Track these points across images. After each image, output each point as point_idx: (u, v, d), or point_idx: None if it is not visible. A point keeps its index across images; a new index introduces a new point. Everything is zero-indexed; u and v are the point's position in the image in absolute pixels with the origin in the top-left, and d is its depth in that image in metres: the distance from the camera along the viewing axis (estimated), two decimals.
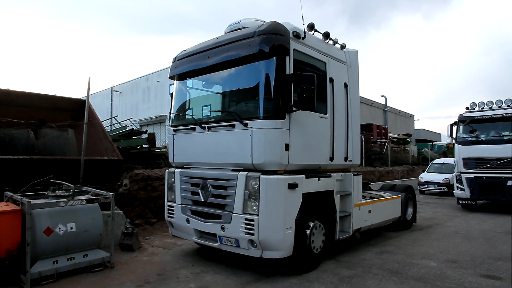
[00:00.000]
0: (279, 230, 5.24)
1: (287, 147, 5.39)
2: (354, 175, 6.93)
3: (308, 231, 5.76)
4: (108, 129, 16.05)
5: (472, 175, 12.40)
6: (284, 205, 5.27)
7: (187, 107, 6.92)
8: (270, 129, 5.32)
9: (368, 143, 21.29)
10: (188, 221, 6.32)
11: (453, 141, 13.26)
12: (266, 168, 5.40)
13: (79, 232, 5.86)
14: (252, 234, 5.29)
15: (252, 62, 5.68)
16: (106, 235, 7.33)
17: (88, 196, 6.32)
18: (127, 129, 14.06)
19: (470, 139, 12.78)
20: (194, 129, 6.35)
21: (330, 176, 6.29)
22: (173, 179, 6.76)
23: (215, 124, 5.99)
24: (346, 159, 6.75)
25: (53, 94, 11.30)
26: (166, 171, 7.05)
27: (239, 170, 5.62)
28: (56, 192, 6.17)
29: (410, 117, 43.67)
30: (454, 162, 13.41)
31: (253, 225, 5.28)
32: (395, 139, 28.65)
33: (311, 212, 5.84)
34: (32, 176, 6.74)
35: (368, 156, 20.82)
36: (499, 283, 5.32)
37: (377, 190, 9.51)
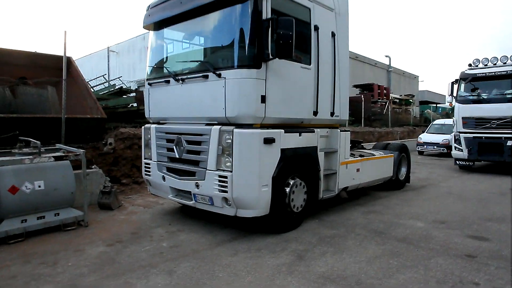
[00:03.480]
0: (253, 187, 4.92)
1: (263, 99, 4.96)
2: (341, 131, 6.53)
3: (287, 189, 5.44)
4: (99, 88, 15.62)
5: (471, 135, 11.97)
6: (259, 161, 4.92)
7: (162, 59, 6.44)
8: (244, 79, 4.87)
9: (368, 103, 20.78)
10: (164, 178, 6.03)
11: (454, 100, 12.72)
12: (241, 121, 5.01)
13: (48, 191, 5.58)
14: (226, 191, 4.98)
15: (227, 6, 5.17)
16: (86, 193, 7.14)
17: (57, 153, 5.99)
18: (116, 87, 13.61)
19: (471, 97, 12.23)
20: (168, 82, 5.92)
21: (313, 132, 5.89)
22: (149, 136, 6.41)
23: (188, 76, 5.54)
24: (332, 114, 6.33)
25: (33, 51, 10.82)
26: (143, 127, 6.69)
27: (213, 124, 5.24)
28: (24, 149, 5.86)
29: (415, 78, 42.69)
30: (453, 121, 12.93)
31: (226, 182, 4.96)
32: (397, 100, 28.03)
33: (291, 169, 5.50)
34: None
35: (367, 116, 20.36)
36: (486, 244, 5.04)
37: (369, 149, 9.14)
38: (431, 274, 4.05)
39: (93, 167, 7.82)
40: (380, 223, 6.07)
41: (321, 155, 6.06)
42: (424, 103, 43.13)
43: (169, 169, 5.96)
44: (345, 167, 6.70)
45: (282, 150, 5.23)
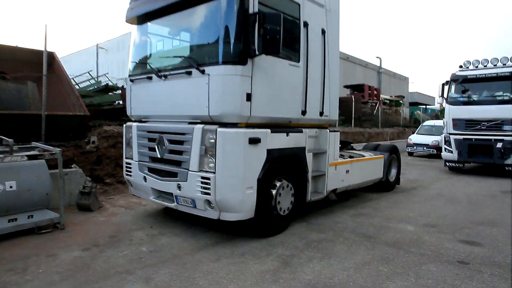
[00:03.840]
0: (237, 190, 4.68)
1: (248, 97, 4.72)
2: (330, 131, 6.33)
3: (274, 192, 5.22)
4: (85, 84, 15.20)
5: (461, 137, 11.89)
6: (244, 162, 4.68)
7: (145, 55, 6.16)
8: (228, 76, 4.63)
9: (359, 103, 20.67)
10: (145, 179, 5.75)
11: (444, 102, 12.63)
12: (225, 120, 4.76)
13: (20, 191, 5.27)
14: (209, 194, 4.73)
15: (212, 0, 4.92)
16: (63, 194, 6.82)
17: (31, 152, 5.68)
18: (102, 85, 13.23)
19: (461, 99, 12.16)
20: (151, 78, 5.65)
21: (302, 132, 5.67)
22: (130, 134, 6.13)
23: (171, 72, 5.28)
24: (321, 113, 6.12)
25: (14, 45, 10.44)
26: (124, 125, 6.40)
27: (197, 123, 4.98)
28: None
29: (405, 79, 42.83)
30: (443, 123, 12.84)
31: (209, 183, 4.71)
32: (388, 101, 28.02)
33: (278, 171, 5.28)
34: None
35: (358, 117, 20.27)
36: (478, 250, 4.87)
37: (359, 150, 8.96)
38: (422, 282, 3.85)
39: (72, 166, 7.51)
40: (370, 226, 5.88)
41: (309, 156, 5.85)
42: (414, 105, 43.28)
43: (151, 170, 5.69)
44: (334, 169, 6.50)
45: (269, 151, 4.99)
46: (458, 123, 11.96)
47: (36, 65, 10.05)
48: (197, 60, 4.94)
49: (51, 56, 10.87)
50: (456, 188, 9.49)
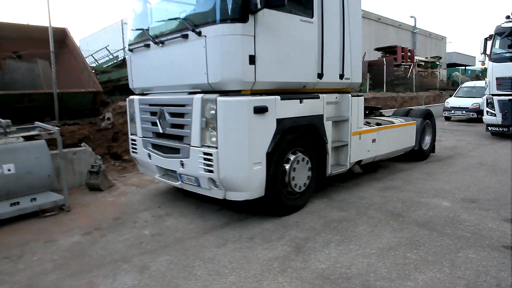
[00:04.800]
0: (243, 166, 4.15)
1: (252, 59, 4.09)
2: (352, 96, 5.61)
3: (287, 166, 4.64)
4: (105, 60, 14.96)
5: (507, 98, 10.67)
6: (249, 134, 4.11)
7: (142, 21, 5.59)
8: (227, 36, 4.00)
9: (391, 66, 19.35)
10: (150, 156, 5.34)
11: (487, 59, 11.34)
12: (226, 88, 4.18)
13: (20, 174, 5.00)
14: (212, 171, 4.23)
15: None
16: (73, 175, 6.59)
17: (29, 133, 5.36)
18: (119, 59, 12.90)
19: (507, 55, 10.82)
20: (148, 46, 5.12)
21: (318, 98, 5.00)
22: (133, 108, 5.68)
23: (168, 37, 4.71)
24: (341, 76, 5.39)
25: (25, 23, 10.18)
26: (127, 99, 5.95)
27: (197, 93, 4.44)
28: None
29: (442, 39, 40.05)
30: (485, 83, 11.58)
31: (212, 160, 4.20)
32: (423, 63, 26.21)
33: (291, 143, 4.68)
34: None
35: (390, 80, 19.01)
36: None
37: (388, 116, 8.14)
38: (459, 273, 3.21)
39: (82, 145, 7.23)
40: (399, 202, 5.23)
41: (328, 125, 5.19)
42: (452, 66, 40.58)
43: (154, 146, 5.25)
44: (358, 138, 5.81)
45: (279, 121, 4.39)
46: (503, 82, 10.71)
47: (56, 43, 9.79)
48: (192, 21, 4.33)
49: (63, 33, 10.54)
50: (500, 156, 8.52)
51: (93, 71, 13.39)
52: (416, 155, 7.92)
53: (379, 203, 5.22)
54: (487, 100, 11.20)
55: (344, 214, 4.80)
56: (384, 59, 19.76)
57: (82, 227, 4.75)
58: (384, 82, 18.60)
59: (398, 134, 7.07)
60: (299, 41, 4.66)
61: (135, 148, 5.77)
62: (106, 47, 13.80)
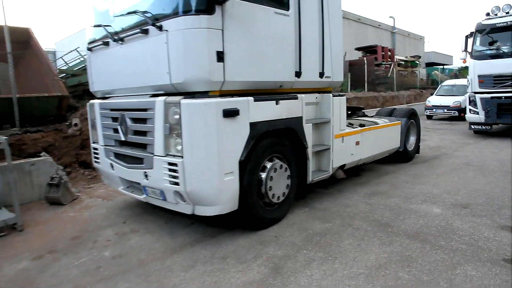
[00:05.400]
0: (212, 177, 3.67)
1: (220, 56, 3.62)
2: (334, 96, 5.20)
3: (263, 175, 4.18)
4: (75, 63, 14.21)
5: (489, 96, 10.49)
6: (218, 141, 3.63)
7: (103, 17, 5.05)
8: (190, 30, 3.52)
9: (372, 66, 19.17)
10: (112, 167, 4.80)
11: (468, 57, 11.16)
12: (191, 89, 3.69)
13: None
14: (177, 183, 3.74)
15: None
16: (31, 188, 5.98)
17: None
18: None
19: (489, 52, 10.66)
20: (107, 43, 4.59)
21: (296, 98, 4.56)
22: (94, 114, 5.13)
23: (127, 33, 4.20)
24: (321, 74, 4.98)
25: None
26: (87, 104, 5.40)
27: (160, 95, 3.94)
28: None
29: (421, 39, 40.40)
30: (467, 80, 11.40)
31: (177, 171, 3.71)
32: (403, 62, 26.22)
33: (267, 149, 4.22)
34: None
35: (371, 80, 18.82)
36: None
37: (372, 116, 7.79)
38: None
39: (41, 154, 6.61)
40: (386, 210, 4.83)
41: (308, 128, 4.76)
42: (430, 65, 40.97)
43: (117, 155, 4.72)
44: (340, 141, 5.41)
45: (252, 125, 3.93)
46: (485, 80, 10.53)
47: (18, 44, 9.12)
48: (153, 13, 3.83)
49: (27, 33, 9.87)
50: (486, 155, 8.27)
51: (63, 74, 12.70)
52: (401, 156, 7.59)
53: (365, 211, 4.81)
54: (469, 98, 11.02)
55: (328, 225, 4.37)
56: (365, 58, 19.57)
57: (33, 249, 4.18)
58: (365, 82, 18.39)
59: (383, 135, 6.71)
60: (274, 35, 4.21)
61: (97, 158, 5.22)
62: (76, 49, 13.07)
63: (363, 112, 8.03)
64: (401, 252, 3.55)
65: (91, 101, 5.25)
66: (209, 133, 3.59)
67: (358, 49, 23.43)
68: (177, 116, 3.65)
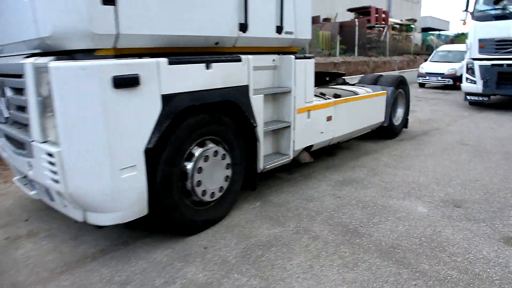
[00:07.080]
0: (100, 174, 2.56)
1: None
2: (297, 58, 4.03)
3: (189, 166, 3.08)
4: None
5: (489, 63, 9.31)
6: (106, 122, 2.49)
7: None
8: None
9: (363, 28, 17.75)
10: (4, 149, 3.67)
11: (469, 17, 9.87)
12: (69, 46, 2.52)
13: None
14: (57, 181, 2.64)
15: None
16: None
17: None
18: None
19: (493, 12, 9.36)
20: None
21: (240, 61, 3.38)
22: None
23: None
24: (280, 29, 3.78)
25: None
26: None
27: (34, 56, 2.76)
28: None
29: (417, 2, 38.53)
30: (466, 45, 10.15)
31: (55, 164, 2.60)
32: (397, 26, 24.68)
33: (194, 130, 3.09)
34: None
35: (362, 44, 17.46)
36: None
37: (353, 84, 6.64)
38: None
39: None
40: (358, 207, 3.79)
41: (257, 100, 3.61)
42: (426, 30, 39.27)
43: (7, 137, 3.58)
44: (306, 116, 4.30)
45: (167, 98, 2.77)
46: (486, 45, 9.31)
47: None
48: None
49: None
50: (482, 131, 7.23)
51: None
52: (386, 132, 6.52)
53: (331, 209, 3.77)
54: (467, 65, 9.84)
55: (278, 231, 3.33)
56: (356, 20, 18.07)
57: None
58: (356, 45, 17.03)
59: (363, 108, 5.58)
60: None
61: None
62: None
63: (343, 79, 6.85)
64: (367, 282, 2.53)
65: None
66: (92, 111, 2.44)
67: (350, 10, 21.86)
68: (49, 86, 2.50)
